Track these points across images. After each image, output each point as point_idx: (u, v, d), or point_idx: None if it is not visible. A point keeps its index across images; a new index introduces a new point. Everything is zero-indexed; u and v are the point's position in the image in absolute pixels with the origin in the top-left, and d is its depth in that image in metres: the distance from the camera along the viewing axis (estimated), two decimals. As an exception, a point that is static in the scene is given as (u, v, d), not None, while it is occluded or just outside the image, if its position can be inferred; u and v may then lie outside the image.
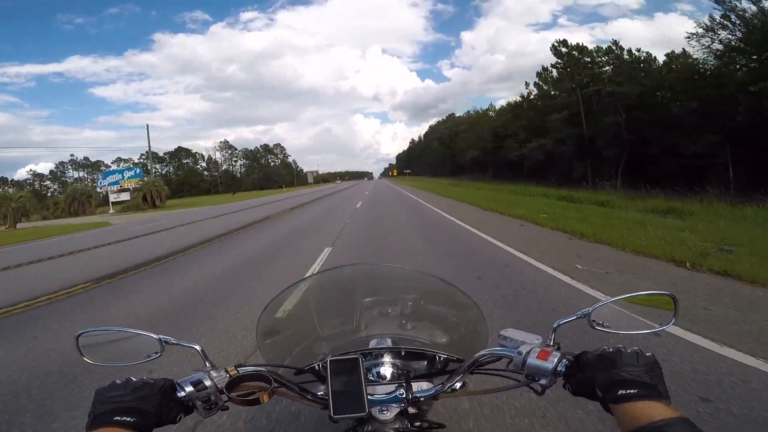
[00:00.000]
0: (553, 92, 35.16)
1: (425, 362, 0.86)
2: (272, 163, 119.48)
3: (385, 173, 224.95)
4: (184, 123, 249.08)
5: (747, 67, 20.41)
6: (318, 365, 0.78)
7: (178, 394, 0.60)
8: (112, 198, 40.72)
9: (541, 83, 38.33)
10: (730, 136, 20.48)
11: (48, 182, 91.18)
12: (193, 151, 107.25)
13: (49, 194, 74.77)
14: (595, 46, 33.53)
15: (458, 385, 0.74)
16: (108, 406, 0.55)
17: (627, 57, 30.41)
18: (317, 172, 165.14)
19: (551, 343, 0.64)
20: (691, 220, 8.24)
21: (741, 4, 20.11)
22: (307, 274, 4.90)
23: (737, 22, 20.46)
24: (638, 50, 30.27)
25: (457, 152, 66.70)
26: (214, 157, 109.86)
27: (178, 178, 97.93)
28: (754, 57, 19.91)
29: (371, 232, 9.42)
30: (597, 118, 29.37)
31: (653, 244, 5.65)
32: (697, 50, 23.10)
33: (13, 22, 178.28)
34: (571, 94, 31.08)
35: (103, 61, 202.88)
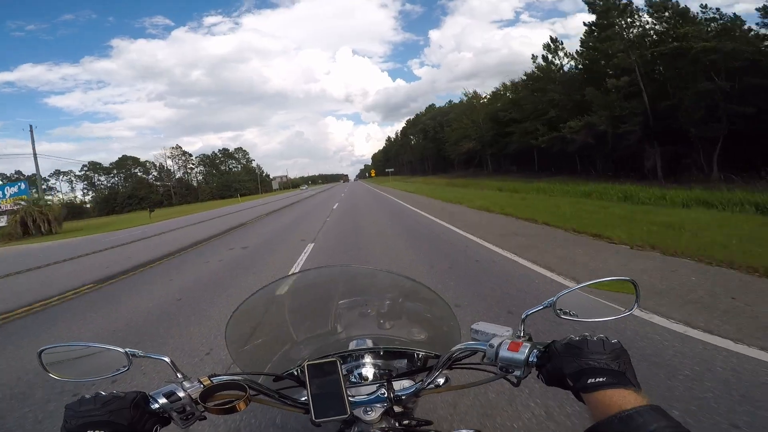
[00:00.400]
0: (602, 53, 25.67)
1: (405, 360, 0.86)
2: (234, 169, 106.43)
3: (362, 174, 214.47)
4: (148, 132, 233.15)
5: None
6: (296, 370, 0.77)
7: (152, 406, 0.59)
8: (-18, 224, 28.67)
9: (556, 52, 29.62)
10: None
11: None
12: (142, 160, 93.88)
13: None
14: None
15: (441, 381, 0.74)
16: (80, 420, 0.53)
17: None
18: (286, 177, 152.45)
19: (521, 335, 0.63)
20: None
21: None
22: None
23: None
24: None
25: (447, 145, 57.32)
26: (165, 165, 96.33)
27: (126, 190, 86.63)
28: None
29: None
30: (675, 85, 20.60)
31: None
32: None
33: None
34: (630, 55, 22.07)
35: (58, 69, 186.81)
